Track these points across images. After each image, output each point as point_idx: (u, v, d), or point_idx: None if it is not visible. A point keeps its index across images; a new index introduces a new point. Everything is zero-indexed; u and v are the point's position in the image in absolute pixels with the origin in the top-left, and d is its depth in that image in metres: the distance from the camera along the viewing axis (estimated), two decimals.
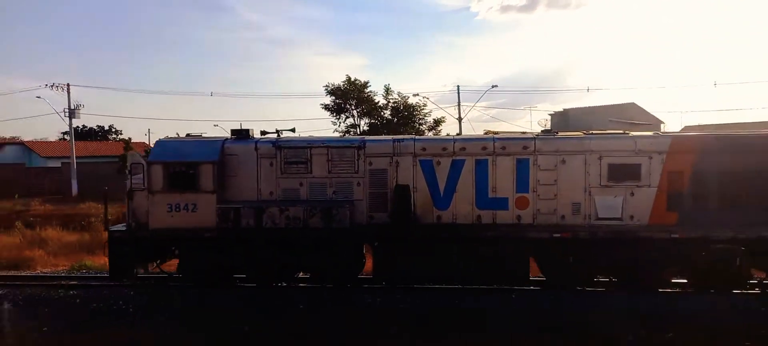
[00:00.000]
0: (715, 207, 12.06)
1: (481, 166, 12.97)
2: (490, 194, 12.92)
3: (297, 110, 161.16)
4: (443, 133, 39.53)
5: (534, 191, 12.72)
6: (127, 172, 13.72)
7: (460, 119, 44.88)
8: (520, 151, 12.87)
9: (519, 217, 12.78)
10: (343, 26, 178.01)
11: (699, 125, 38.33)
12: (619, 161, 12.43)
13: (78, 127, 47.64)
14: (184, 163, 13.39)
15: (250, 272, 13.65)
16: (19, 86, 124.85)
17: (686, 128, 34.59)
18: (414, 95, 46.88)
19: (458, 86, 46.49)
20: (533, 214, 12.74)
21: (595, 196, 12.49)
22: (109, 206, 14.26)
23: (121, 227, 14.04)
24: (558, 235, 12.41)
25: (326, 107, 47.09)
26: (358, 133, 43.80)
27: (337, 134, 40.41)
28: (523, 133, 14.47)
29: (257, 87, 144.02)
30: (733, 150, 12.24)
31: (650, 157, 12.34)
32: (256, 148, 13.59)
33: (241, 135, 14.10)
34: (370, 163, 13.36)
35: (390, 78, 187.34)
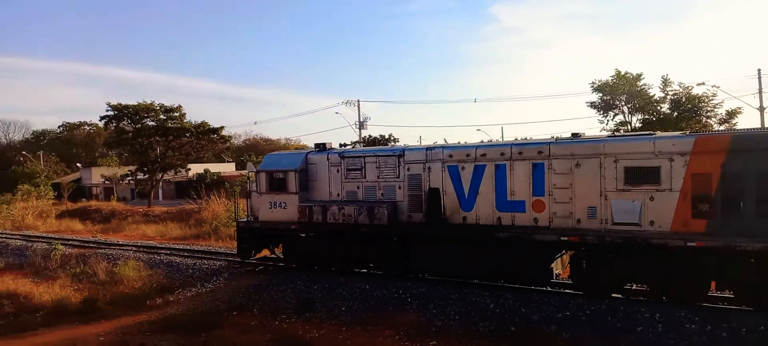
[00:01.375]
0: (753, 214, 10.54)
1: (500, 171, 13.41)
2: (509, 197, 13.32)
3: (559, 110, 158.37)
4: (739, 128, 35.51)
5: (550, 195, 12.72)
6: (247, 179, 17.93)
7: (761, 109, 38.16)
8: (535, 155, 12.97)
9: (535, 219, 12.93)
10: (608, 16, 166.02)
11: None
12: (636, 164, 11.74)
13: (366, 136, 52.47)
14: (279, 171, 16.87)
15: (321, 259, 16.23)
16: (324, 104, 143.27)
17: None
18: (698, 84, 39.02)
19: (759, 70, 38.74)
20: (549, 217, 12.76)
21: (612, 200, 11.99)
22: None
23: (245, 219, 17.86)
24: (566, 238, 12.32)
25: (593, 105, 43.41)
26: (629, 130, 38.60)
27: (604, 133, 37.37)
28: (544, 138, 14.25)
29: (519, 90, 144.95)
30: (766, 149, 10.64)
31: (671, 159, 11.37)
32: (327, 159, 16.32)
33: (320, 148, 17.04)
34: (408, 169, 14.89)
35: (666, 69, 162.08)
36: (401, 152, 15.10)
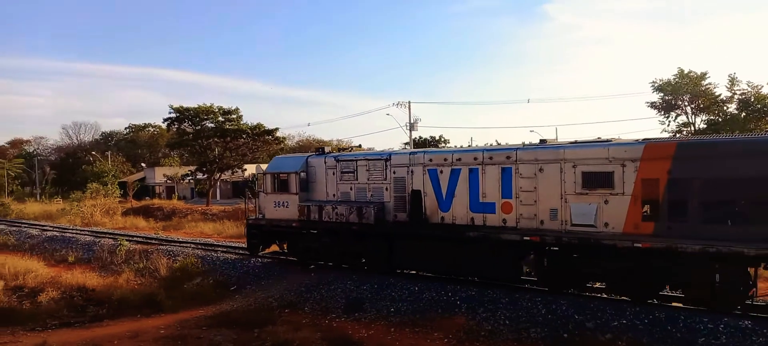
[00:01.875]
0: (696, 218, 11.04)
1: (473, 175, 14.27)
2: (481, 199, 14.19)
3: (618, 110, 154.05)
4: None
5: (517, 197, 13.54)
6: (256, 180, 19.46)
7: None
8: (504, 160, 13.80)
9: (504, 220, 13.80)
10: (669, 11, 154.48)
11: None
12: (592, 169, 12.38)
13: (416, 138, 53.29)
14: (283, 173, 18.17)
15: (320, 254, 17.46)
16: (375, 105, 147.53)
17: None
18: None
19: None
20: (516, 218, 13.57)
21: (571, 203, 12.66)
22: None
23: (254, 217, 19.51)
24: (528, 238, 13.08)
25: (653, 105, 41.51)
26: (693, 132, 37.74)
27: (665, 134, 36.99)
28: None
29: (574, 89, 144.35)
30: (708, 156, 11.16)
31: (623, 165, 11.94)
32: (325, 162, 17.47)
33: (319, 151, 18.36)
34: (394, 173, 15.89)
35: (733, 67, 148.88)
36: (388, 156, 16.18)
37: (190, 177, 57.48)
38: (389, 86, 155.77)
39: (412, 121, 49.08)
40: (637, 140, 12.46)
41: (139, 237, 28.11)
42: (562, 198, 12.80)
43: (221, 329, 12.91)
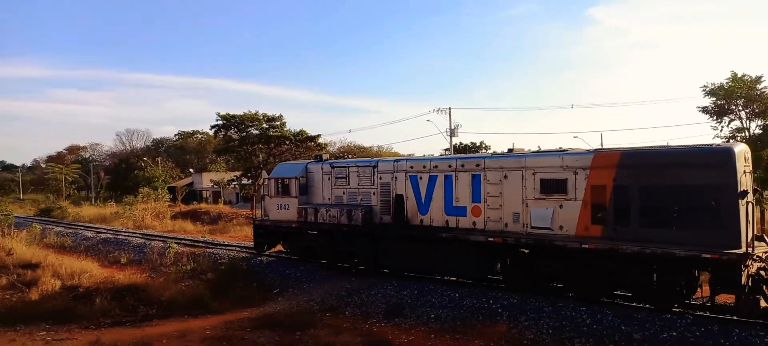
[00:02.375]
0: (637, 222, 11.93)
1: (448, 181, 15.46)
2: (454, 203, 15.38)
3: (667, 115, 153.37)
4: None
5: (485, 202, 14.69)
6: (262, 184, 21.34)
7: None
8: (474, 168, 14.98)
9: (474, 223, 14.92)
10: (721, 14, 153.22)
11: None
12: (549, 176, 13.41)
13: (456, 144, 52.30)
14: (285, 178, 19.96)
15: (317, 253, 19.06)
16: (414, 112, 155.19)
17: None
18: None
19: None
20: (485, 221, 14.69)
21: (531, 207, 13.72)
22: None
23: (259, 219, 21.41)
24: (492, 239, 14.15)
25: (705, 110, 39.97)
26: (747, 137, 36.26)
27: (718, 140, 35.91)
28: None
29: (620, 95, 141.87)
30: (647, 165, 12.05)
31: (576, 173, 12.95)
32: (321, 168, 19.18)
33: (317, 159, 20.46)
34: (381, 178, 17.24)
35: None
36: (375, 164, 17.67)
37: (236, 182, 58.88)
38: (431, 92, 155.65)
39: (452, 128, 48.68)
40: (587, 150, 13.72)
41: (187, 240, 28.99)
42: (523, 203, 13.91)
43: (264, 331, 13.19)
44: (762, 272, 11.09)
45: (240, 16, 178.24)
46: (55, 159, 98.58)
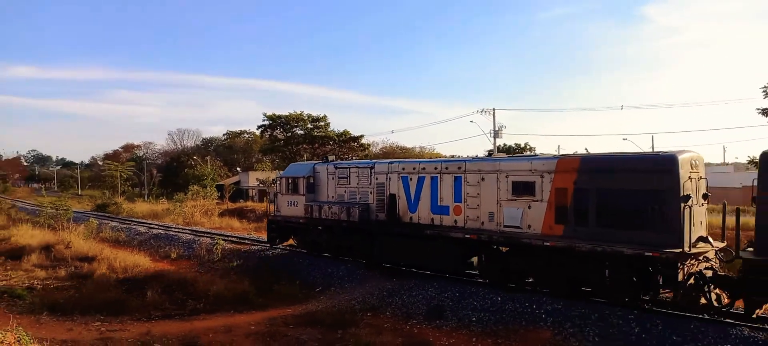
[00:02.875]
0: (594, 222, 12.92)
1: (434, 182, 16.88)
2: (439, 203, 16.73)
3: (724, 117, 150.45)
4: None
5: (465, 202, 15.95)
6: (274, 183, 21.86)
7: None
8: (456, 170, 16.30)
9: (455, 221, 16.22)
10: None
11: None
12: (519, 179, 14.57)
13: (500, 145, 52.04)
14: (294, 177, 21.88)
15: (321, 246, 20.74)
16: (456, 114, 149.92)
17: None
18: None
19: None
20: (464, 219, 15.93)
21: (504, 207, 14.90)
22: None
23: (272, 214, 23.21)
24: (469, 236, 15.39)
25: (765, 112, 38.66)
26: None
27: None
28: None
29: (673, 95, 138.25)
30: (603, 170, 13.08)
31: (542, 176, 14.11)
32: (327, 169, 20.81)
33: (324, 159, 22.21)
34: (377, 179, 18.79)
35: None
36: (372, 165, 19.30)
37: None
38: (475, 93, 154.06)
39: (496, 129, 48.10)
40: (553, 155, 14.75)
41: (234, 237, 29.67)
42: (497, 203, 15.11)
43: (307, 329, 13.38)
44: (707, 272, 11.92)
45: (285, 19, 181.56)
46: (112, 157, 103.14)
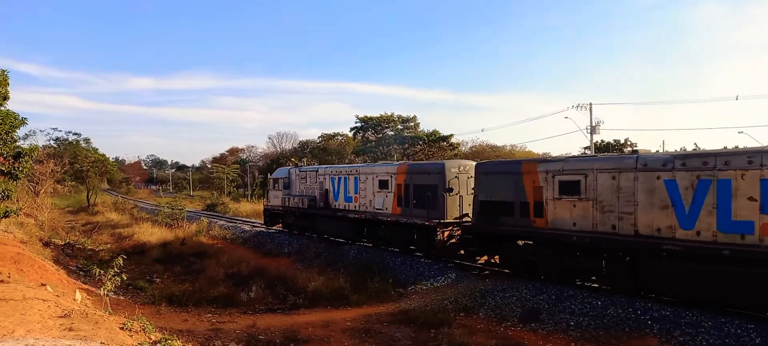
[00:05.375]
0: (411, 205, 21.45)
1: (346, 181, 25.73)
2: (348, 194, 25.64)
3: None
4: None
5: (359, 193, 24.72)
6: (268, 181, 33.07)
7: None
8: (355, 172, 25.28)
9: (355, 206, 25.02)
10: None
11: None
12: (382, 178, 23.28)
13: (597, 142, 50.24)
14: (277, 178, 32.44)
15: (293, 226, 30.67)
16: (550, 110, 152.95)
17: None
18: None
19: None
20: (357, 205, 24.81)
21: (375, 197, 23.52)
22: None
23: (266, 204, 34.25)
24: (357, 216, 24.45)
25: None
26: None
27: None
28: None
29: None
30: (416, 172, 21.64)
31: (391, 176, 22.68)
32: (297, 172, 30.53)
33: (295, 166, 32.91)
34: (320, 179, 28.02)
35: None
36: (317, 169, 28.94)
37: None
38: (570, 88, 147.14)
39: (593, 124, 45.73)
40: (398, 162, 24.82)
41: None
42: (373, 194, 23.70)
43: (400, 326, 13.60)
44: (454, 236, 19.76)
45: (374, 21, 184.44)
46: (219, 160, 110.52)
